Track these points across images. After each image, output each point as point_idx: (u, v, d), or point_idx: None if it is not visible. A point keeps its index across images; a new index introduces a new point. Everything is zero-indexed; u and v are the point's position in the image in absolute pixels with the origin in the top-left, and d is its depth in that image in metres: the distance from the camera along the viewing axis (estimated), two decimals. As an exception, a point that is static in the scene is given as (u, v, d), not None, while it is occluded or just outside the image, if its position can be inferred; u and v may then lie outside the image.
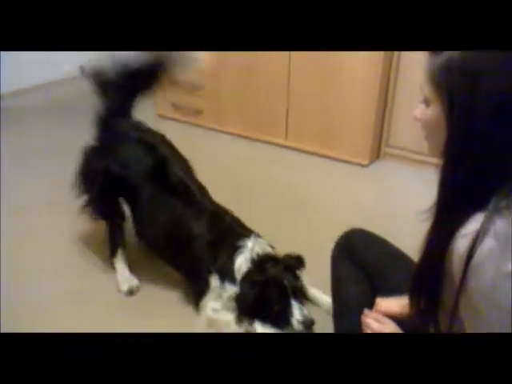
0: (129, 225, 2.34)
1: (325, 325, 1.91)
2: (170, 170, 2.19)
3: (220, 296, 2.03)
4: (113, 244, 2.35)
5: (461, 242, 0.98)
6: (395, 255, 1.69)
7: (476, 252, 0.95)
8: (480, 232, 0.95)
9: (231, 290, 1.99)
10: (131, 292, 2.23)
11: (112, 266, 2.33)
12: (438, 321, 1.17)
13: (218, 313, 2.02)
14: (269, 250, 2.05)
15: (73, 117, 3.49)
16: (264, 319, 1.95)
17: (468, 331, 1.07)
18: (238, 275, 1.98)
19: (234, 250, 2.01)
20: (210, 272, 2.04)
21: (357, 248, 1.74)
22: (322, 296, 2.12)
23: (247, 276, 1.95)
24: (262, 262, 1.96)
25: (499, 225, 0.94)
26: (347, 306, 1.70)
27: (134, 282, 2.26)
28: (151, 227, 2.23)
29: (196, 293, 2.11)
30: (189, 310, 2.13)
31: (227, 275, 2.00)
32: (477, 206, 0.98)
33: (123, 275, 2.28)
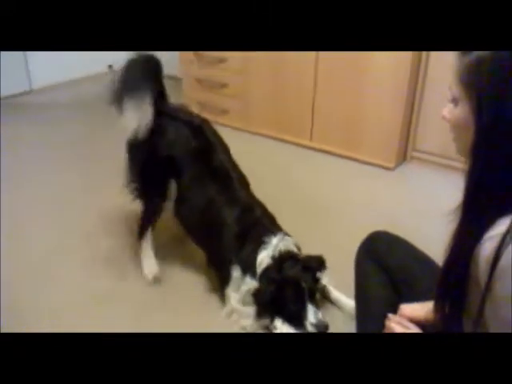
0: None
1: (348, 329, 1.89)
2: (214, 155, 2.22)
3: (239, 288, 2.04)
4: (144, 225, 2.33)
5: (487, 245, 0.96)
6: (420, 259, 1.67)
7: (502, 255, 0.93)
8: (507, 235, 0.93)
9: (251, 283, 2.00)
10: (156, 279, 2.26)
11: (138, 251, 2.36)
12: (463, 327, 1.15)
13: (240, 304, 2.03)
14: (293, 248, 2.04)
15: (97, 112, 3.55)
16: (280, 317, 1.95)
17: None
18: (259, 270, 1.98)
19: (259, 244, 2.01)
20: (232, 262, 2.05)
21: (381, 251, 1.72)
22: (346, 300, 2.10)
23: (265, 272, 1.95)
24: (281, 260, 1.95)
25: None
26: (371, 309, 1.68)
27: (158, 271, 2.27)
28: (188, 207, 2.24)
29: (220, 280, 2.14)
30: (213, 298, 2.16)
31: (249, 268, 2.01)
32: (504, 208, 0.96)
33: (149, 260, 2.31)
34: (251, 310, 1.99)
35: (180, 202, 2.26)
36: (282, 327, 1.95)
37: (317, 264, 2.01)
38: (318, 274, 2.02)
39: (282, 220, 2.24)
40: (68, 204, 2.86)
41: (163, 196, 2.26)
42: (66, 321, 2.02)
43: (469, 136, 1.02)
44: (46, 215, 2.76)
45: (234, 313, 2.05)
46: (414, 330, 1.41)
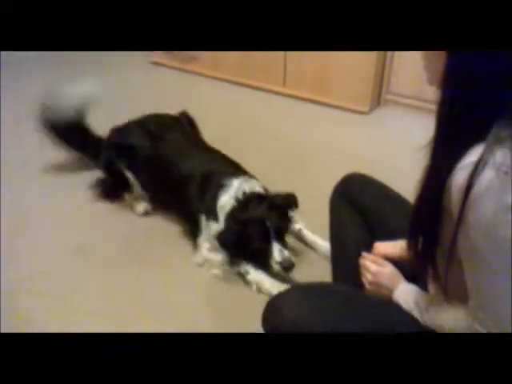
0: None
1: (324, 272, 1.89)
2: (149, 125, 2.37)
3: (209, 235, 2.04)
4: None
5: (460, 174, 0.94)
6: (394, 199, 1.66)
7: (475, 184, 0.91)
8: (479, 163, 0.91)
9: (214, 227, 1.99)
10: (146, 213, 2.36)
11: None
12: (436, 263, 1.15)
13: (211, 252, 2.04)
14: (259, 190, 2.02)
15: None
16: (246, 258, 1.97)
17: (466, 273, 1.05)
18: (221, 213, 1.97)
19: (219, 188, 2.01)
20: (198, 212, 2.06)
21: (355, 192, 1.71)
22: (321, 242, 2.10)
23: (230, 214, 1.94)
24: (246, 201, 1.94)
25: (499, 156, 0.90)
26: (346, 250, 1.68)
27: (147, 205, 2.37)
28: (148, 179, 2.33)
29: (191, 233, 2.15)
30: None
31: (211, 213, 2.01)
32: (476, 137, 0.94)
33: (136, 200, 2.38)
34: (222, 257, 1.99)
35: (142, 180, 2.35)
36: (255, 273, 1.96)
37: (285, 201, 1.99)
38: (289, 212, 2.00)
39: (254, 167, 2.22)
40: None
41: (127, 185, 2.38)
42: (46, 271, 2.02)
43: (439, 63, 0.98)
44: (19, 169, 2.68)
45: (205, 262, 2.05)
46: (388, 267, 1.41)
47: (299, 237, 2.17)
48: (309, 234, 2.16)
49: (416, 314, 1.24)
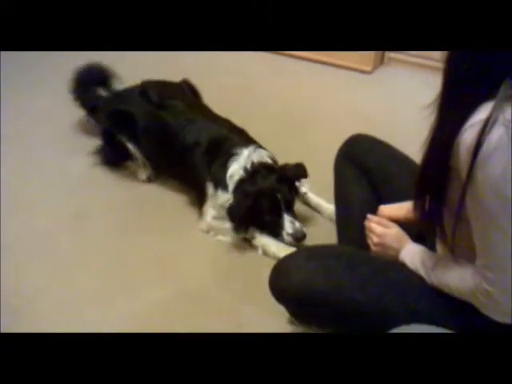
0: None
1: (328, 232, 1.89)
2: (149, 93, 2.28)
3: (215, 204, 2.03)
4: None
5: (468, 133, 0.92)
6: (399, 159, 1.65)
7: (484, 142, 0.89)
8: (489, 121, 0.89)
9: (223, 197, 1.98)
10: (149, 179, 2.33)
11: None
12: (443, 223, 1.14)
13: (216, 220, 2.04)
14: (267, 160, 2.00)
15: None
16: (256, 228, 1.97)
17: (474, 232, 1.04)
18: (230, 183, 1.96)
19: (229, 157, 1.99)
20: (205, 180, 2.04)
21: (359, 153, 1.69)
22: (326, 204, 2.10)
23: (239, 185, 1.93)
24: (254, 171, 1.93)
25: (509, 113, 0.88)
26: (351, 211, 1.67)
27: (150, 171, 2.34)
28: (150, 148, 2.29)
29: (197, 200, 2.14)
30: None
31: (220, 182, 2.00)
32: (484, 94, 0.92)
33: (139, 166, 2.35)
34: (228, 225, 1.99)
35: (144, 149, 2.31)
36: (260, 237, 1.96)
37: (294, 173, 1.98)
38: (297, 183, 2.00)
39: (258, 131, 2.19)
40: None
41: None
42: (40, 245, 2.01)
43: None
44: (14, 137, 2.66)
45: (211, 229, 2.05)
46: (394, 228, 1.41)
47: (304, 200, 2.16)
48: (313, 197, 2.15)
49: (422, 273, 1.24)
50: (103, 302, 1.77)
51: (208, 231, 2.05)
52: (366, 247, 1.47)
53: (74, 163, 2.44)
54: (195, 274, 1.88)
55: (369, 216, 1.49)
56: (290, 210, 1.94)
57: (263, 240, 1.95)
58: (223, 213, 1.97)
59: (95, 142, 2.47)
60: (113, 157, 2.39)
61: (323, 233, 1.98)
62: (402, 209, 1.45)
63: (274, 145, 2.18)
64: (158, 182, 2.35)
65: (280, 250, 1.88)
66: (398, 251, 1.34)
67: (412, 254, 1.30)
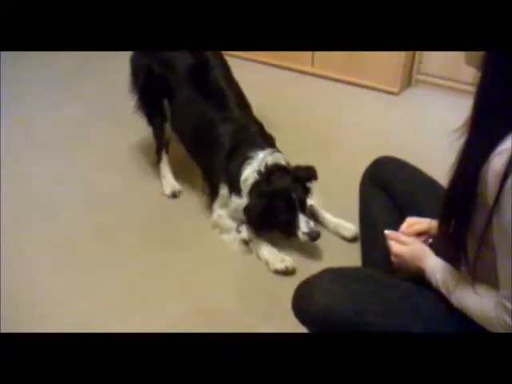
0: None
1: (351, 252, 1.87)
2: (210, 73, 2.22)
3: (226, 204, 2.09)
4: (158, 147, 2.44)
5: (497, 159, 0.92)
6: (426, 183, 1.63)
7: None
8: None
9: (236, 202, 2.03)
10: (174, 195, 2.37)
11: (157, 173, 2.46)
12: (467, 247, 1.12)
13: (221, 219, 2.11)
14: (282, 162, 2.01)
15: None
16: (272, 229, 2.01)
17: (499, 261, 1.02)
18: (244, 186, 1.99)
19: (244, 159, 2.01)
20: (221, 180, 2.08)
21: (386, 176, 1.69)
22: (331, 218, 2.14)
23: (254, 188, 1.95)
24: (269, 173, 1.94)
25: None
26: (376, 234, 1.62)
27: (177, 186, 2.38)
28: (184, 125, 2.30)
29: (209, 196, 2.21)
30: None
31: (234, 185, 2.03)
32: None
33: (167, 180, 2.40)
34: (233, 225, 2.07)
35: (176, 120, 2.32)
36: (255, 240, 2.03)
37: (306, 174, 2.00)
38: (308, 184, 2.01)
39: (282, 147, 2.19)
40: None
41: (161, 116, 2.34)
42: (65, 256, 2.04)
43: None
44: (48, 149, 2.71)
45: (216, 226, 2.12)
46: (411, 245, 1.37)
47: (310, 212, 2.14)
48: (320, 211, 2.17)
49: (444, 292, 1.21)
50: (122, 313, 1.78)
51: (214, 228, 2.13)
52: (393, 268, 1.44)
53: (104, 178, 2.48)
54: (217, 290, 1.89)
55: (386, 232, 1.46)
56: (304, 209, 1.96)
57: (257, 244, 2.02)
58: (234, 214, 2.04)
59: (126, 161, 2.53)
60: (147, 97, 2.35)
61: (344, 254, 1.97)
62: (426, 222, 1.42)
63: (298, 160, 2.17)
64: (182, 197, 2.37)
65: (276, 261, 1.94)
66: (415, 269, 1.32)
67: (433, 272, 1.27)
